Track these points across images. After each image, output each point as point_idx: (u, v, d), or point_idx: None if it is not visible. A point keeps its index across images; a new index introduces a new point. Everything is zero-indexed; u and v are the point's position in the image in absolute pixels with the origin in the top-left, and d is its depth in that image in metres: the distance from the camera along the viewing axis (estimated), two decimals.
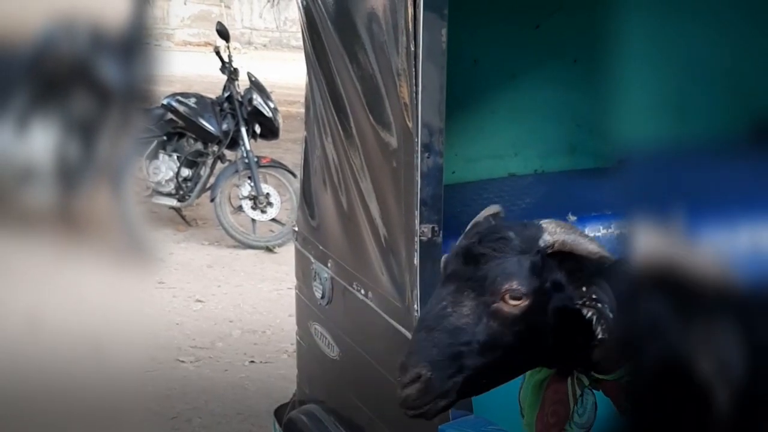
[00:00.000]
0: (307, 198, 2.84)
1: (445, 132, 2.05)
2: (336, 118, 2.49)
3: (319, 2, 2.49)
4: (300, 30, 2.82)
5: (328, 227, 2.62)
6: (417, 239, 1.99)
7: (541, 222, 1.69)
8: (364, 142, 2.31)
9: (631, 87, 3.56)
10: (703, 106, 3.38)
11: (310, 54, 2.69)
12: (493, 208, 1.84)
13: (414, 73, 1.99)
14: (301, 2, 2.67)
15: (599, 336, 1.62)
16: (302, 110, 3.02)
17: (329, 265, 2.57)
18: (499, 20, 3.32)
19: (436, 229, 2.00)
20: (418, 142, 1.99)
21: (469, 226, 1.82)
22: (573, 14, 3.47)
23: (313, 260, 2.69)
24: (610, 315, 1.60)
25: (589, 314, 1.61)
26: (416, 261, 1.99)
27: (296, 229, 2.90)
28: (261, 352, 4.64)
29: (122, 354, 0.79)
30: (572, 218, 3.03)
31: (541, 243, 1.63)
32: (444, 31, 1.99)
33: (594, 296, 1.61)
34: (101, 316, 0.76)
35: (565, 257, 1.64)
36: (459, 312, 1.60)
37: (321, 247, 2.65)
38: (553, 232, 1.65)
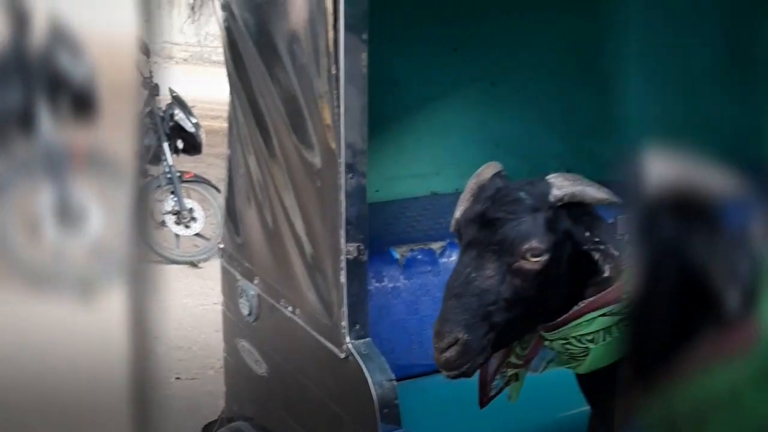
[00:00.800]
0: (231, 215, 2.87)
1: (368, 152, 2.11)
2: (260, 137, 2.52)
3: (240, 23, 2.52)
4: (221, 46, 2.85)
5: (254, 244, 2.65)
6: (343, 258, 2.04)
7: (548, 178, 1.78)
8: (288, 161, 2.35)
9: (545, 107, 3.71)
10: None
11: (231, 73, 2.72)
12: (492, 167, 1.90)
13: (336, 95, 2.05)
14: (222, 22, 2.70)
15: (606, 274, 1.73)
16: (225, 125, 3.05)
17: (256, 282, 2.60)
18: (418, 43, 3.41)
19: (362, 247, 2.06)
20: (341, 162, 2.05)
21: (472, 188, 1.88)
22: (490, 37, 3.60)
23: (239, 277, 2.72)
24: (615, 253, 1.71)
25: (597, 256, 1.72)
26: (343, 279, 2.05)
27: (221, 245, 2.93)
28: (187, 368, 4.62)
29: (47, 372, 0.81)
30: None
31: (551, 198, 1.73)
32: (364, 55, 2.05)
33: (597, 239, 1.72)
34: (21, 338, 0.78)
35: (572, 206, 1.74)
36: (483, 275, 1.70)
37: (247, 264, 2.69)
38: (561, 186, 1.74)
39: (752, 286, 1.36)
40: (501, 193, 1.77)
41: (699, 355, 1.46)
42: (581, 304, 1.77)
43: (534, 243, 1.69)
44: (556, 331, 1.80)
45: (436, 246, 2.70)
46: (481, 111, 3.63)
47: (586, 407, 2.05)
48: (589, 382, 1.94)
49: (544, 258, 1.70)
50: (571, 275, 1.77)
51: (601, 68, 3.78)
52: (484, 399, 2.01)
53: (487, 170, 1.89)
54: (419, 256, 2.68)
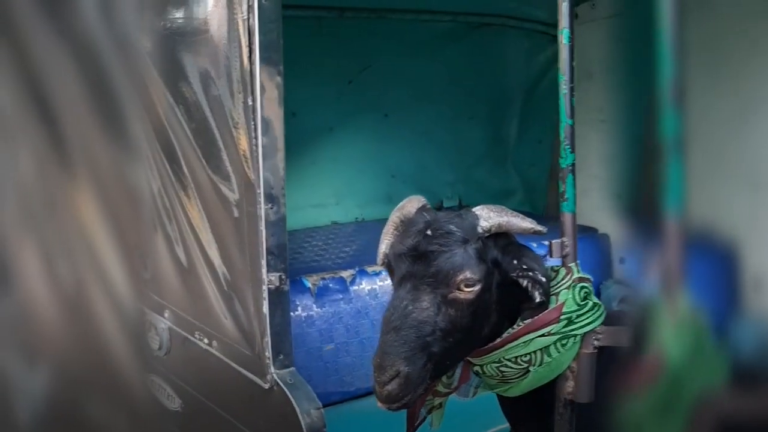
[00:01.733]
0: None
1: None
2: (168, 168, 2.49)
3: (143, 53, 2.49)
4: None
5: (164, 277, 2.60)
6: (265, 288, 2.04)
7: (474, 210, 1.84)
8: (201, 192, 2.33)
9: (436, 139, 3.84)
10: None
11: (134, 102, 2.67)
12: (416, 201, 1.96)
13: (253, 125, 2.06)
14: (122, 51, 2.66)
15: (537, 300, 1.80)
16: None
17: (166, 315, 2.55)
18: (314, 75, 3.47)
19: (284, 277, 2.06)
20: (260, 193, 2.06)
21: (396, 221, 1.94)
22: (383, 71, 3.70)
23: (147, 311, 2.66)
24: (543, 280, 1.78)
25: (525, 283, 1.79)
26: (265, 309, 2.04)
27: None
28: None
29: None
30: None
31: (480, 230, 1.79)
32: (280, 86, 2.08)
33: (525, 266, 1.79)
34: None
35: (498, 236, 1.81)
36: (419, 307, 1.75)
37: (156, 298, 2.63)
38: (487, 218, 1.81)
39: (643, 326, 1.48)
40: (432, 226, 1.82)
41: (605, 389, 1.57)
42: (516, 327, 1.83)
43: (468, 274, 1.75)
44: (489, 355, 1.86)
45: (346, 274, 2.74)
46: (376, 142, 3.73)
47: (506, 425, 2.13)
48: (510, 404, 2.01)
49: (477, 288, 1.76)
50: (500, 302, 1.84)
51: (487, 101, 3.97)
52: (411, 429, 2.05)
53: (411, 204, 1.95)
54: (330, 285, 2.70)
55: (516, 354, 1.83)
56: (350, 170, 3.67)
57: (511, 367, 1.84)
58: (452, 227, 1.80)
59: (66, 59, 2.31)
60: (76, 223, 2.56)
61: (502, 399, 2.03)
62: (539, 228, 1.80)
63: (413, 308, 1.75)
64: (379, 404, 1.79)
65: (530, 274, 1.79)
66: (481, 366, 1.90)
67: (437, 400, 2.04)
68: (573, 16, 1.82)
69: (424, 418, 2.06)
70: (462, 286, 1.76)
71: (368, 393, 2.73)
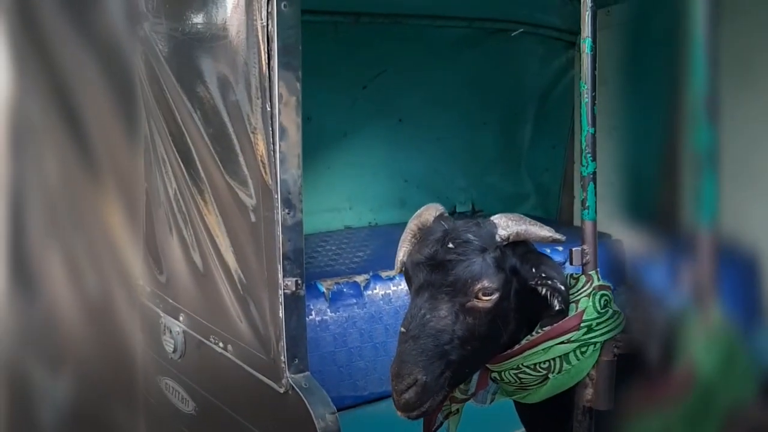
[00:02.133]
0: (152, 252, 2.82)
1: None
2: (184, 172, 2.50)
3: (162, 58, 2.50)
4: (137, 81, 2.81)
5: (179, 281, 2.62)
6: (281, 292, 2.05)
7: (492, 218, 1.84)
8: (217, 197, 2.34)
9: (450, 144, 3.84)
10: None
11: (150, 106, 2.68)
12: (434, 209, 1.94)
13: (271, 131, 2.07)
14: (141, 55, 2.68)
15: (556, 308, 1.80)
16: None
17: (181, 318, 2.57)
18: (329, 80, 3.48)
19: (299, 282, 2.07)
20: (278, 198, 2.07)
21: (413, 230, 1.93)
22: (397, 76, 3.71)
23: (162, 314, 2.67)
24: (563, 288, 1.78)
25: (544, 291, 1.79)
26: (281, 314, 2.05)
27: (140, 282, 2.87)
28: None
29: None
30: None
31: (498, 238, 1.80)
32: (298, 91, 2.09)
33: (544, 275, 1.79)
34: None
35: (517, 244, 1.82)
36: (437, 315, 1.75)
37: (171, 301, 2.64)
38: (506, 226, 1.82)
39: (671, 339, 1.48)
40: (450, 235, 1.82)
41: (634, 401, 1.57)
42: (536, 334, 1.84)
43: (486, 282, 1.76)
44: (507, 362, 1.87)
45: (360, 279, 2.75)
46: (390, 147, 3.74)
47: (522, 430, 2.13)
48: (527, 409, 2.01)
49: (495, 296, 1.77)
50: (519, 310, 1.84)
51: (501, 106, 3.97)
52: None
53: (428, 212, 1.94)
54: (345, 289, 2.72)
55: (535, 361, 1.83)
56: (364, 175, 3.68)
57: (530, 374, 1.85)
58: (470, 236, 1.80)
59: (92, 69, 2.33)
60: (100, 229, 2.59)
61: (519, 404, 2.03)
62: (558, 236, 1.81)
63: (431, 317, 1.76)
64: (398, 413, 1.78)
65: (549, 282, 1.79)
66: (500, 372, 1.91)
67: (454, 406, 2.04)
68: (596, 25, 1.82)
69: (441, 423, 2.06)
70: (480, 295, 1.76)
71: (381, 397, 2.74)
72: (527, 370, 1.85)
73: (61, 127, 2.32)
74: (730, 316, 1.46)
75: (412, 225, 1.95)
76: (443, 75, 3.86)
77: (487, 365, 1.92)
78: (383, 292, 2.80)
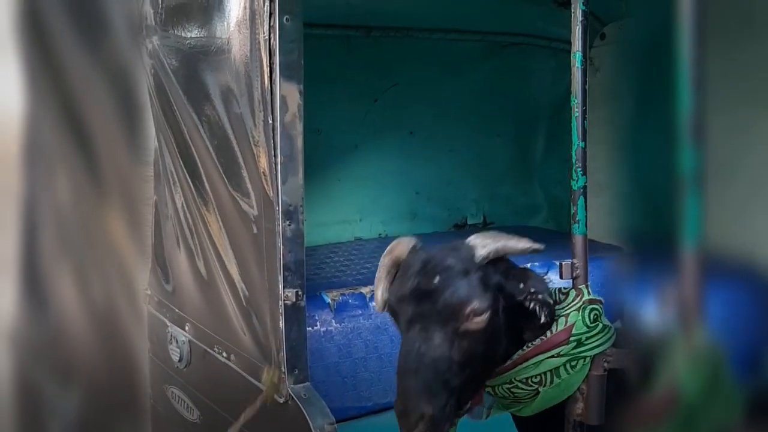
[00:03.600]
0: (160, 262, 2.86)
1: None
2: (190, 183, 2.54)
3: (169, 71, 2.54)
4: (147, 94, 2.86)
5: (185, 291, 2.65)
6: (281, 303, 2.07)
7: (467, 241, 1.84)
8: (221, 208, 2.37)
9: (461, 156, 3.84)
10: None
11: (159, 119, 2.73)
12: (406, 242, 1.92)
13: (273, 144, 2.09)
14: (149, 69, 2.73)
15: (542, 320, 1.79)
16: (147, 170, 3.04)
17: (187, 328, 2.60)
18: (340, 93, 3.51)
19: (300, 293, 2.09)
20: (279, 210, 2.09)
21: (388, 265, 1.92)
22: (408, 89, 3.72)
23: (168, 323, 2.70)
24: (550, 301, 1.78)
25: (532, 305, 1.78)
26: (282, 324, 2.07)
27: (148, 292, 2.91)
28: None
29: None
30: None
31: (478, 258, 1.79)
32: (300, 105, 2.11)
33: (532, 289, 1.78)
34: None
35: (498, 261, 1.81)
36: (433, 345, 1.73)
37: (177, 311, 2.68)
38: (484, 245, 1.80)
39: (654, 357, 1.47)
40: (429, 264, 1.81)
41: (623, 417, 1.57)
42: (526, 348, 1.84)
43: (476, 304, 1.75)
44: (500, 376, 1.87)
45: (365, 290, 2.76)
46: (400, 159, 3.75)
47: None
48: (525, 421, 2.01)
49: (486, 316, 1.76)
50: (508, 325, 1.83)
51: (514, 119, 3.97)
52: None
53: (401, 246, 1.92)
54: (350, 300, 2.73)
55: (526, 375, 1.83)
56: (375, 187, 3.70)
57: (522, 389, 1.85)
58: (451, 261, 1.79)
59: (101, 88, 2.37)
60: (108, 245, 2.63)
61: (515, 416, 2.03)
62: (537, 246, 1.80)
63: (427, 348, 1.74)
64: None
65: (538, 296, 1.78)
66: (493, 387, 1.91)
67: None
68: (587, 39, 1.83)
69: None
70: (471, 317, 1.75)
71: (386, 408, 2.74)
72: (520, 384, 1.85)
73: (72, 145, 2.37)
74: (716, 338, 1.45)
75: (385, 261, 1.93)
76: (455, 88, 3.87)
77: None
78: None
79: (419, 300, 1.77)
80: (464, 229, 4.05)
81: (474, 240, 1.83)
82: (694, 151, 1.42)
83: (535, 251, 1.80)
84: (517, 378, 1.84)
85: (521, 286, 1.80)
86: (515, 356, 1.84)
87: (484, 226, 4.10)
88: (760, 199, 3.14)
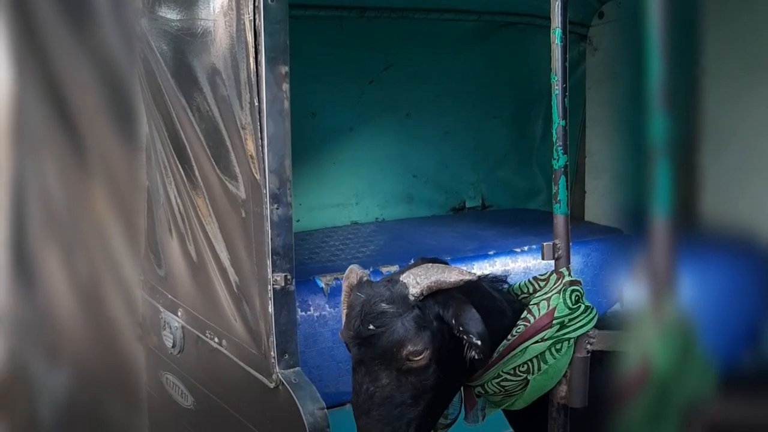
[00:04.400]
0: (152, 247, 2.84)
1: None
2: (180, 168, 2.51)
3: (158, 54, 2.51)
4: (137, 78, 2.83)
5: (177, 276, 2.63)
6: (270, 288, 2.05)
7: (401, 279, 1.84)
8: (210, 192, 2.35)
9: (458, 138, 3.81)
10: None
11: (149, 104, 2.70)
12: (355, 272, 1.97)
13: (259, 126, 2.07)
14: (139, 53, 2.69)
15: (475, 358, 1.78)
16: (139, 155, 3.01)
17: (180, 314, 2.58)
18: (335, 75, 3.47)
19: (289, 277, 2.07)
20: (266, 193, 2.06)
21: (346, 292, 1.98)
22: (404, 70, 3.69)
23: (161, 309, 2.69)
24: (478, 343, 1.76)
25: (464, 343, 1.78)
26: (271, 309, 2.05)
27: (142, 277, 2.89)
28: None
29: None
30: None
31: (411, 298, 1.80)
32: (286, 87, 2.08)
33: (461, 328, 1.77)
34: None
35: (436, 292, 1.81)
36: (380, 385, 1.78)
37: (170, 296, 2.66)
38: (415, 284, 1.81)
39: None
40: (365, 309, 1.84)
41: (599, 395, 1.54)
42: (511, 338, 1.83)
43: (410, 347, 1.77)
44: (487, 372, 1.87)
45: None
46: (397, 142, 3.72)
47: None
48: (516, 416, 2.00)
49: (425, 354, 1.78)
50: (461, 348, 1.81)
51: (511, 100, 3.93)
52: None
53: (353, 275, 1.99)
54: None
55: (514, 365, 1.82)
56: (371, 170, 3.67)
57: (512, 380, 1.84)
58: (383, 305, 1.81)
59: (89, 72, 2.35)
60: (96, 227, 2.61)
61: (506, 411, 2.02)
62: (468, 277, 1.80)
63: (375, 388, 1.79)
64: None
65: (465, 337, 1.78)
66: (482, 385, 1.90)
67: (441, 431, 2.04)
68: (566, 15, 1.79)
69: None
70: (410, 358, 1.78)
71: None
72: (508, 377, 1.84)
73: (58, 127, 2.35)
74: (691, 310, 1.42)
75: (344, 286, 2.00)
76: (451, 69, 3.83)
77: (467, 383, 1.91)
78: None
79: (360, 345, 1.82)
80: (463, 212, 4.02)
81: (406, 278, 1.84)
82: (664, 120, 1.39)
83: (468, 282, 1.80)
84: (505, 370, 1.83)
85: (453, 321, 1.80)
86: (501, 348, 1.83)
87: (483, 209, 4.06)
88: (755, 166, 3.11)
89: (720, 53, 2.99)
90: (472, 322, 1.77)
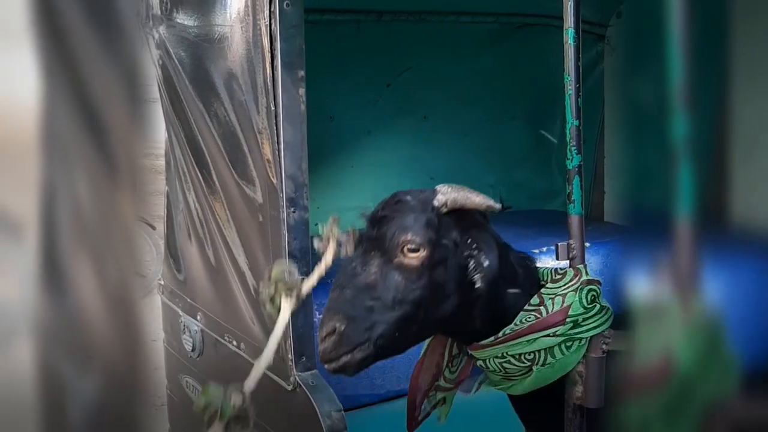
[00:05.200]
0: (172, 252, 2.86)
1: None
2: (198, 173, 2.54)
3: (176, 61, 2.54)
4: (156, 85, 2.86)
5: (196, 280, 2.65)
6: None
7: (437, 187, 1.83)
8: (228, 196, 2.37)
9: (476, 140, 3.80)
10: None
11: (168, 110, 2.73)
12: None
13: (276, 131, 2.08)
14: (157, 60, 2.73)
15: (476, 285, 1.76)
16: (157, 162, 3.05)
17: (199, 317, 2.60)
18: (352, 79, 3.48)
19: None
20: (283, 197, 2.08)
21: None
22: (421, 73, 3.69)
23: (181, 313, 2.71)
24: (484, 263, 1.75)
25: (471, 263, 1.76)
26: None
27: (162, 282, 2.91)
28: None
29: None
30: None
31: (435, 202, 1.79)
32: (302, 91, 2.10)
33: (469, 240, 1.76)
34: None
35: (460, 217, 1.79)
36: (367, 271, 1.75)
37: (189, 300, 2.68)
38: (444, 192, 1.80)
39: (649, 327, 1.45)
40: (394, 198, 1.84)
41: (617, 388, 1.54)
42: (520, 325, 1.80)
43: (410, 236, 1.74)
44: (490, 349, 1.83)
45: None
46: (415, 145, 3.71)
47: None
48: (522, 402, 1.98)
49: (421, 254, 1.74)
50: (460, 286, 1.79)
51: (529, 101, 3.92)
52: (412, 423, 2.03)
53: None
54: None
55: (519, 351, 1.80)
56: (389, 173, 3.66)
57: (515, 365, 1.81)
58: (408, 198, 1.81)
59: (116, 83, 2.38)
60: (123, 234, 2.65)
61: (512, 396, 1.99)
62: (491, 203, 1.78)
63: (361, 270, 1.76)
64: (324, 366, 1.77)
65: (474, 252, 1.76)
66: (484, 360, 1.87)
67: (440, 395, 2.01)
68: (579, 14, 1.78)
69: (428, 413, 2.03)
70: (405, 250, 1.74)
71: (399, 395, 2.72)
72: (512, 360, 1.81)
73: (87, 136, 2.38)
74: (718, 308, 1.42)
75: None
76: (469, 71, 3.83)
77: (471, 352, 1.88)
78: None
79: (371, 225, 1.80)
80: None
81: (440, 187, 1.83)
82: (686, 119, 1.38)
83: (489, 207, 1.78)
84: (510, 353, 1.80)
85: (468, 241, 1.78)
86: (507, 331, 1.80)
87: (501, 211, 4.06)
88: None
89: (749, 51, 2.97)
90: (488, 247, 1.76)
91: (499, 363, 1.84)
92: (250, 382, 1.47)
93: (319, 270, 1.71)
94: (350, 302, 1.72)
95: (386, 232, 1.76)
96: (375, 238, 1.77)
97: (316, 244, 1.75)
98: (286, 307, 1.67)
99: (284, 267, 1.69)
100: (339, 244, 1.74)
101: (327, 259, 1.70)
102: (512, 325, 1.81)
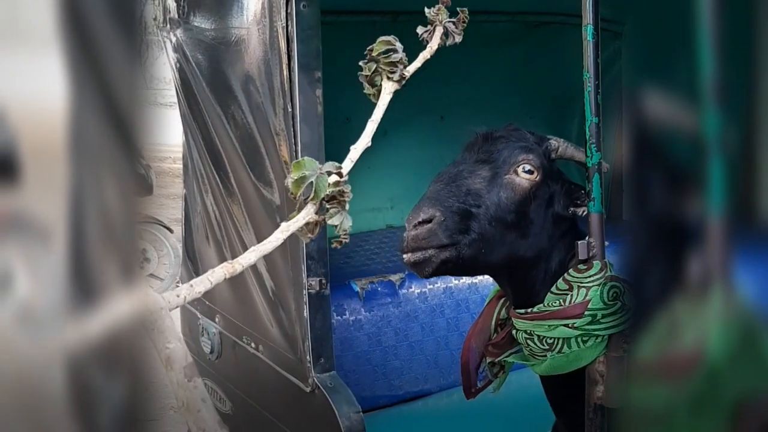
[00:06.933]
0: (190, 254, 2.87)
1: None
2: (216, 176, 2.54)
3: (193, 64, 2.55)
4: (174, 89, 2.87)
5: None
6: (305, 292, 2.06)
7: (548, 136, 1.89)
8: (246, 198, 2.37)
9: None
10: None
11: (185, 113, 2.74)
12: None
13: (293, 132, 2.08)
14: (174, 63, 2.73)
15: (580, 213, 1.79)
16: (174, 166, 3.06)
17: (217, 320, 2.60)
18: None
19: (324, 281, 2.08)
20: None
21: None
22: (438, 73, 3.67)
23: (199, 315, 2.72)
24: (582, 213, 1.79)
25: (580, 211, 1.79)
26: (306, 313, 2.06)
27: (180, 285, 2.92)
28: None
29: None
30: None
31: (549, 146, 1.84)
32: (319, 92, 2.10)
33: (579, 201, 1.80)
34: None
35: (562, 177, 1.84)
36: (475, 177, 1.75)
37: (207, 303, 2.69)
38: (557, 140, 1.87)
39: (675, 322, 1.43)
40: (508, 125, 1.89)
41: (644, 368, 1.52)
42: (544, 309, 1.77)
43: (531, 156, 1.77)
44: (520, 321, 1.82)
45: (395, 278, 2.74)
46: (432, 145, 3.70)
47: None
48: (554, 391, 1.96)
49: (534, 177, 1.77)
50: (545, 222, 1.82)
51: (547, 100, 3.90)
52: (471, 389, 1.99)
53: None
54: (379, 288, 2.71)
55: (541, 333, 1.78)
56: (406, 174, 3.65)
57: (536, 345, 1.80)
58: (526, 131, 1.85)
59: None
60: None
61: (546, 386, 1.97)
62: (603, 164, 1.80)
63: (468, 175, 1.75)
64: (403, 256, 1.70)
65: (582, 191, 1.81)
66: (517, 330, 1.85)
67: (490, 359, 1.98)
68: (598, 10, 1.77)
69: (488, 382, 2.00)
70: (520, 170, 1.76)
71: (417, 396, 2.72)
72: (535, 339, 1.79)
73: (114, 140, 2.40)
74: (756, 306, 1.39)
75: None
76: (485, 71, 3.81)
77: (512, 318, 1.87)
78: (419, 291, 2.79)
79: (486, 139, 1.84)
80: None
81: (552, 138, 1.88)
82: (717, 115, 1.36)
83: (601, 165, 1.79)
84: (535, 332, 1.79)
85: (573, 185, 1.83)
86: (535, 310, 1.79)
87: None
88: None
89: None
90: (581, 203, 1.80)
91: (525, 338, 1.82)
92: (347, 164, 1.38)
93: (423, 55, 1.63)
94: (455, 198, 1.69)
95: (503, 150, 1.78)
96: (489, 151, 1.79)
97: (420, 30, 1.70)
98: (388, 88, 1.55)
99: (388, 44, 1.56)
100: (446, 34, 1.69)
101: (432, 46, 1.64)
102: (541, 306, 1.79)
